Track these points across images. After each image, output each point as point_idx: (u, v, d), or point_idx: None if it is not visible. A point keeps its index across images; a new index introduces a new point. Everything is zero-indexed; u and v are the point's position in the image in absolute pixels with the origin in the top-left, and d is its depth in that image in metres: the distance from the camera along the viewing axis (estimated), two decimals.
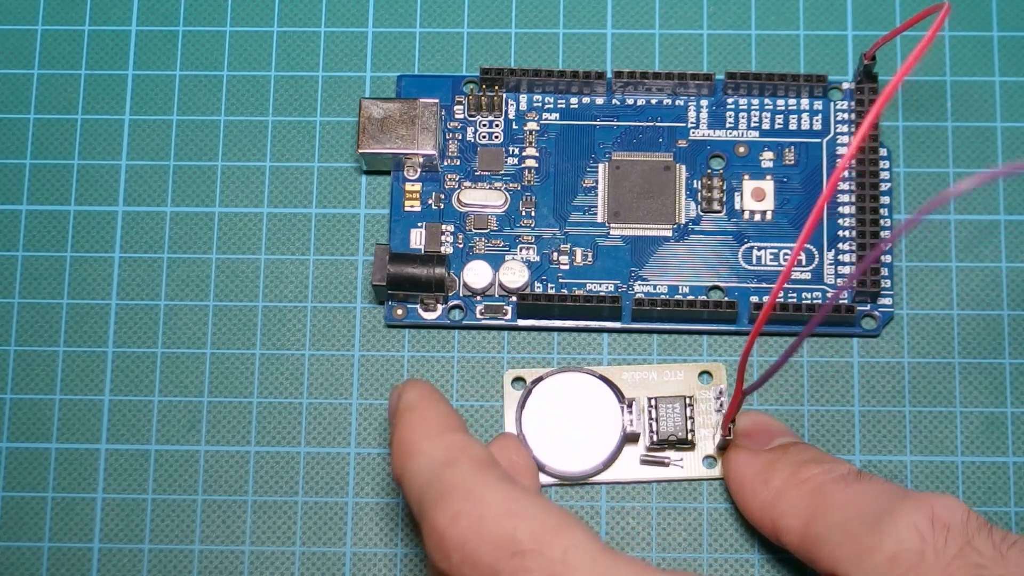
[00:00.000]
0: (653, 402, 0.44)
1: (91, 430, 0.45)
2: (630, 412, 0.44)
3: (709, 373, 0.45)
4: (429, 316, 0.45)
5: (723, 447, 0.43)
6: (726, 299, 0.44)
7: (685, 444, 0.44)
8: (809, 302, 0.44)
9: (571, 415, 0.44)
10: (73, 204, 0.47)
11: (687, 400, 0.44)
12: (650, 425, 0.44)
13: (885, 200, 0.45)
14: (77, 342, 0.46)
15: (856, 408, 0.45)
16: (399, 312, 0.45)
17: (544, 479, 0.44)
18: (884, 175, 0.46)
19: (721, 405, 0.44)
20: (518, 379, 0.45)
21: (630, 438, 0.44)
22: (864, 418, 0.45)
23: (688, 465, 0.44)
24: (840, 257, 0.45)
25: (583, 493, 0.44)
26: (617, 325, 0.45)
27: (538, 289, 0.45)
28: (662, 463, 0.44)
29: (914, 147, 0.47)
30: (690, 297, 0.45)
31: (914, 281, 0.46)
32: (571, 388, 0.44)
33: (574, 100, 0.47)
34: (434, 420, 0.39)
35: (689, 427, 0.44)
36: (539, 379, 0.44)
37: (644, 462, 0.44)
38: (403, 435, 0.38)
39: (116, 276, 0.46)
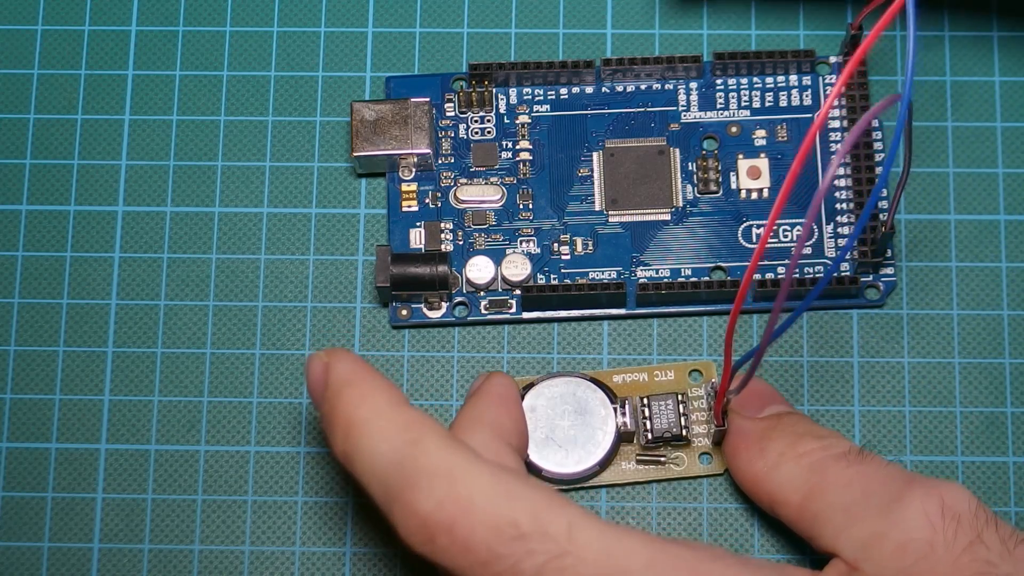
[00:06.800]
0: (645, 400, 0.44)
1: (91, 430, 0.45)
2: (623, 411, 0.44)
3: (700, 371, 0.45)
4: (434, 315, 0.45)
5: (718, 441, 0.43)
6: (729, 279, 0.45)
7: (680, 441, 0.44)
8: (812, 276, 0.45)
9: (564, 418, 0.44)
10: (73, 204, 0.47)
11: (679, 397, 0.44)
12: (644, 423, 0.44)
13: (880, 170, 0.45)
14: (77, 342, 0.46)
15: (856, 408, 0.45)
16: (404, 313, 0.45)
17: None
18: (877, 145, 0.45)
19: (712, 403, 0.43)
20: None
21: (625, 437, 0.44)
22: (864, 417, 0.45)
23: (685, 463, 0.44)
24: (840, 230, 0.45)
25: (583, 494, 0.44)
26: (623, 312, 0.45)
27: (541, 281, 0.45)
28: (658, 462, 0.44)
29: (914, 147, 0.47)
30: (693, 279, 0.45)
31: (914, 280, 0.46)
32: (562, 392, 0.44)
33: (564, 91, 0.47)
34: (380, 394, 0.36)
35: (683, 424, 0.43)
36: (530, 384, 0.44)
37: (640, 462, 0.44)
38: (348, 412, 0.36)
39: (116, 276, 0.46)
